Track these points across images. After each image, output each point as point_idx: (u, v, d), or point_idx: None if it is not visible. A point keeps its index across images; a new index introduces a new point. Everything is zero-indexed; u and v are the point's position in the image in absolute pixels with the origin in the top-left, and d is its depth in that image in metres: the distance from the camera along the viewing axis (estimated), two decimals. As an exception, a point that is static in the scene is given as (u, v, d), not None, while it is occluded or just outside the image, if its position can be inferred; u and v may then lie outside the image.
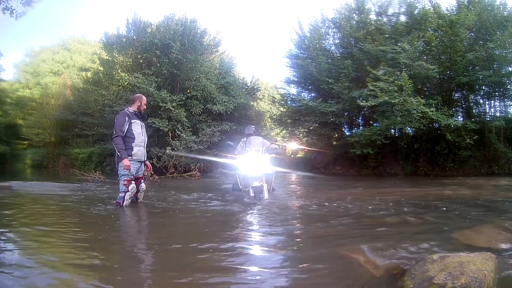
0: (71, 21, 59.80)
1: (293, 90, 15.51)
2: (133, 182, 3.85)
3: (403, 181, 9.34)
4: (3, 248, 2.25)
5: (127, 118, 3.84)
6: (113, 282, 1.69)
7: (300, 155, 17.02)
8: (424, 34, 10.55)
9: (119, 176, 3.80)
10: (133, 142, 3.85)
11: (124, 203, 3.77)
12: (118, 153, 3.76)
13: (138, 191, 4.03)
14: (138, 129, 3.94)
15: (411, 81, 9.46)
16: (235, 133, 12.67)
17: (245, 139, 5.45)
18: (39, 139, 24.44)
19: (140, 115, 4.06)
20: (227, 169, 11.48)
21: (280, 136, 18.13)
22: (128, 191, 3.79)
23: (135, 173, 3.90)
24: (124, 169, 3.73)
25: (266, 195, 4.58)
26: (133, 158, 3.85)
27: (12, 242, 2.50)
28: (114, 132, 3.79)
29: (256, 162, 4.73)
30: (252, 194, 4.57)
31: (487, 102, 12.46)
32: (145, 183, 4.30)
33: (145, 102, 4.14)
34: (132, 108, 3.98)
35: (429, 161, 11.51)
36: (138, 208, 3.97)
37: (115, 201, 3.89)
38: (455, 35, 9.93)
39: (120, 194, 3.79)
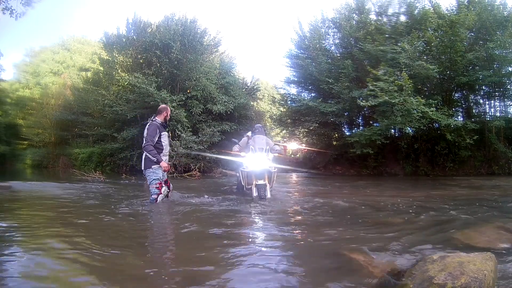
0: (71, 21, 59.70)
1: (293, 90, 15.58)
2: (164, 185, 4.16)
3: (403, 181, 9.34)
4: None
5: (158, 130, 4.07)
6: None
7: (298, 156, 17.05)
8: (424, 34, 10.56)
9: (150, 180, 4.06)
10: (162, 152, 4.11)
11: (157, 202, 4.07)
12: (154, 158, 3.99)
13: (169, 190, 4.34)
14: (165, 140, 4.22)
15: (411, 81, 9.46)
16: (235, 133, 12.66)
17: (249, 134, 5.47)
18: (39, 139, 24.41)
19: (166, 126, 4.34)
20: (227, 169, 11.48)
21: (280, 136, 18.14)
22: (161, 193, 4.09)
23: (162, 178, 4.17)
24: (163, 170, 4.05)
25: (268, 193, 4.67)
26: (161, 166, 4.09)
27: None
28: (145, 141, 3.99)
29: (260, 160, 4.79)
30: (255, 194, 4.62)
31: (487, 102, 12.48)
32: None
33: (170, 113, 4.46)
34: (159, 119, 4.18)
35: (429, 161, 11.51)
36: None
37: (147, 201, 4.13)
38: (455, 35, 9.93)
39: (152, 196, 4.05)
